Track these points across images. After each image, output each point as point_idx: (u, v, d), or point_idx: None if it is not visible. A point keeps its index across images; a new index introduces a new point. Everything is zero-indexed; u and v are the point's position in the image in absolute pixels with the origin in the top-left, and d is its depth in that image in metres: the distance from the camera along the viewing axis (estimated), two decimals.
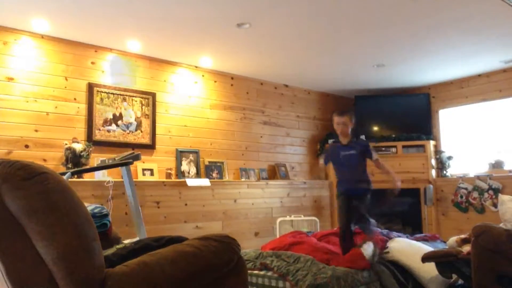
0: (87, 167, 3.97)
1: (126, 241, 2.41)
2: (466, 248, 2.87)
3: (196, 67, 5.21)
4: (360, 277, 3.06)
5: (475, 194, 5.59)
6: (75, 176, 3.91)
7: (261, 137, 5.81)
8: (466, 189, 5.70)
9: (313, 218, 5.59)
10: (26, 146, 3.96)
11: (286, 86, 6.19)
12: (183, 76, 5.11)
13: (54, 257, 1.37)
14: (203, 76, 5.28)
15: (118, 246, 1.98)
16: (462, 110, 6.14)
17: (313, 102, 6.54)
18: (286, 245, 3.66)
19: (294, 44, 4.57)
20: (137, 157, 3.46)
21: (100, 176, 4.22)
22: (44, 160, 4.04)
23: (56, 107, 4.16)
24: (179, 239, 1.96)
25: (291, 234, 4.07)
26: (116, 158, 3.90)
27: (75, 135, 4.18)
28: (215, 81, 5.39)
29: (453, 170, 6.07)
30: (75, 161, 3.99)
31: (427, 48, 4.77)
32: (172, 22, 3.94)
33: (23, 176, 1.38)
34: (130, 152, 3.53)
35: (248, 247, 4.71)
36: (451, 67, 5.53)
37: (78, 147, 4.04)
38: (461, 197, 5.74)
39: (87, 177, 4.13)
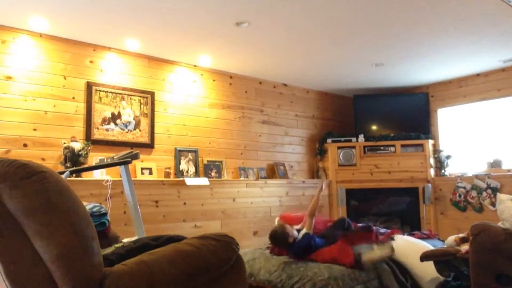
0: (86, 166, 3.97)
1: (125, 240, 2.41)
2: (465, 247, 2.88)
3: (195, 66, 5.20)
4: (358, 276, 3.05)
5: (474, 193, 5.60)
6: (74, 175, 3.91)
7: (260, 136, 5.81)
8: (464, 188, 5.71)
9: None
10: (25, 145, 3.95)
11: (285, 85, 6.19)
12: (182, 75, 5.10)
13: (53, 256, 1.37)
14: (201, 75, 5.27)
15: (116, 245, 1.98)
16: (461, 109, 6.14)
17: (312, 101, 6.54)
18: None
19: (293, 43, 4.57)
20: (135, 156, 3.45)
21: (99, 175, 4.21)
22: (43, 159, 4.03)
23: (54, 106, 4.15)
24: (178, 238, 1.96)
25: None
26: (114, 157, 3.89)
27: (73, 134, 4.17)
28: (213, 80, 5.38)
29: (452, 169, 6.08)
30: (73, 160, 3.98)
31: (426, 47, 4.77)
32: (171, 21, 3.94)
33: (21, 175, 1.38)
34: (128, 151, 3.52)
35: (247, 246, 4.70)
36: (450, 66, 5.53)
37: (77, 146, 4.03)
38: (460, 196, 5.75)
39: (85, 176, 4.12)
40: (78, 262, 1.41)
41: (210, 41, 4.47)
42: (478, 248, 2.57)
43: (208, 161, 5.14)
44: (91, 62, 4.42)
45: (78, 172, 3.91)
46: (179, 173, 4.83)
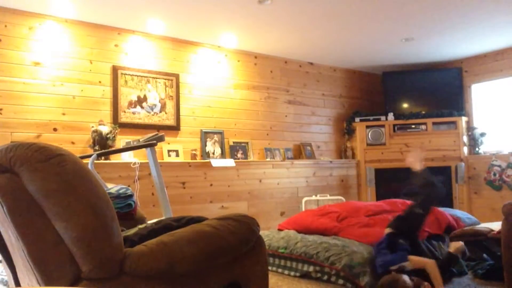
0: (112, 149, 4.04)
1: (150, 221, 2.44)
2: (497, 227, 2.77)
3: (219, 46, 5.17)
4: None
5: (509, 172, 5.39)
6: (102, 157, 3.99)
7: (286, 116, 5.75)
8: (499, 166, 5.50)
9: (340, 197, 5.54)
10: (55, 129, 4.06)
11: (311, 64, 6.07)
12: (206, 56, 5.08)
13: (73, 237, 1.39)
14: (226, 55, 5.23)
15: (140, 226, 2.01)
16: (496, 85, 5.87)
17: (339, 79, 6.40)
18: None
19: (318, 20, 4.45)
20: (160, 138, 3.47)
21: (127, 157, 4.29)
22: (72, 142, 4.13)
23: (82, 90, 4.22)
24: (199, 219, 1.97)
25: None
26: (140, 140, 3.94)
27: (101, 118, 4.25)
28: (238, 61, 5.33)
29: (486, 147, 5.86)
30: (102, 143, 4.06)
31: (458, 19, 4.54)
32: (194, 1, 3.90)
33: (40, 158, 1.40)
34: (154, 134, 3.55)
35: (274, 227, 4.72)
36: (485, 39, 5.27)
37: (105, 129, 4.10)
38: (494, 174, 5.55)
39: (114, 159, 4.20)
40: (98, 243, 1.43)
41: (233, 20, 4.41)
42: (510, 228, 2.47)
43: (234, 142, 5.14)
44: (116, 46, 4.45)
45: (105, 155, 3.98)
46: (205, 154, 4.86)
